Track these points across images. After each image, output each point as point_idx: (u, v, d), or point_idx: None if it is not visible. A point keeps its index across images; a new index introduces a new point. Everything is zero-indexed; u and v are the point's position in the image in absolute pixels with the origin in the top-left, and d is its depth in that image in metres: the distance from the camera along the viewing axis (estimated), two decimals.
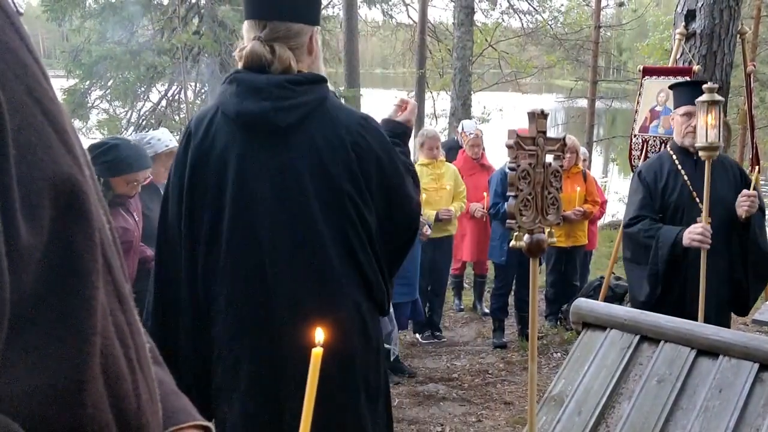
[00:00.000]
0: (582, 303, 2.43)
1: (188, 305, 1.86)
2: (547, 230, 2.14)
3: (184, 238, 1.84)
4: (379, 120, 2.07)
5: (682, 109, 3.31)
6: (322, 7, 11.49)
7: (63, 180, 0.61)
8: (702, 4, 5.00)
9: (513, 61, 14.01)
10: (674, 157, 3.32)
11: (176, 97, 8.21)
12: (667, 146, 3.46)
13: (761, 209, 3.20)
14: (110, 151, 3.03)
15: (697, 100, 3.07)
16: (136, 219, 3.25)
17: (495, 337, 5.41)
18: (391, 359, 4.23)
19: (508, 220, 1.99)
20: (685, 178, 3.25)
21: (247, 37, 1.82)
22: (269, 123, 1.76)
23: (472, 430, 3.89)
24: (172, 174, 1.88)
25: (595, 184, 5.64)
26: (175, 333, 1.88)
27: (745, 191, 3.11)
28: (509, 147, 1.95)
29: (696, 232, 3.01)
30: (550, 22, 14.31)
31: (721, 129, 3.11)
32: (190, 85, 8.19)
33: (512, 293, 5.46)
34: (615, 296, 5.14)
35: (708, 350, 2.11)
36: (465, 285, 6.68)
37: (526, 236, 2.06)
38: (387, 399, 2.05)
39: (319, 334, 0.84)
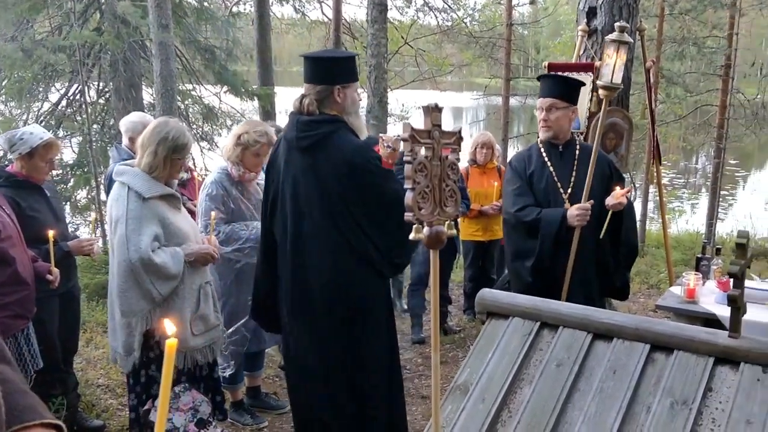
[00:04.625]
0: (486, 293, 2.47)
1: (265, 247, 3.17)
2: (446, 222, 2.15)
3: (266, 201, 3.15)
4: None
5: (538, 102, 3.44)
6: (233, 3, 11.20)
7: None
8: (602, 2, 5.20)
9: (430, 58, 14.16)
10: (542, 149, 3.46)
11: (77, 97, 7.85)
12: (538, 140, 3.58)
13: (630, 203, 3.41)
14: None
15: (607, 38, 3.18)
16: (7, 212, 3.12)
17: (413, 333, 5.45)
18: None
19: (406, 213, 1.99)
20: (551, 168, 3.39)
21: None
22: (295, 145, 2.92)
23: None
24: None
25: None
26: (273, 263, 3.14)
27: (621, 193, 3.28)
28: (404, 140, 1.95)
29: (574, 214, 3.25)
30: (465, 20, 14.54)
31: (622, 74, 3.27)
32: (93, 84, 7.85)
33: (429, 289, 5.51)
34: None
35: (603, 333, 2.18)
36: None
37: (425, 229, 2.06)
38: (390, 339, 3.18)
39: (170, 327, 0.84)
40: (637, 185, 11.19)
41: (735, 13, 9.84)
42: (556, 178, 3.39)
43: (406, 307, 5.93)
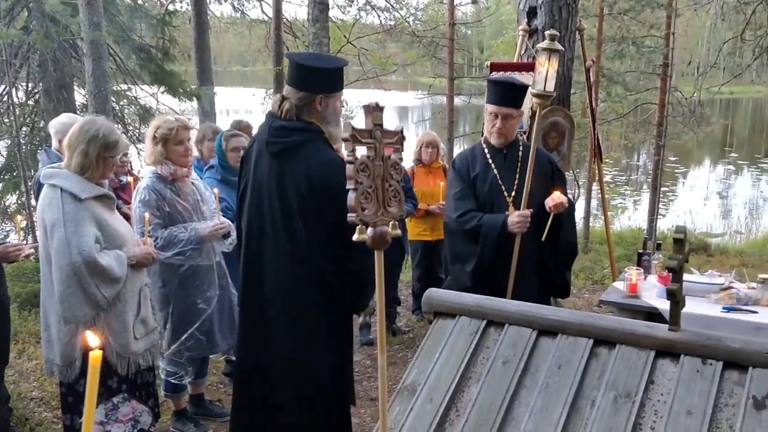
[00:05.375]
0: (433, 293, 2.45)
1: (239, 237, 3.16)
2: (390, 223, 2.12)
3: (237, 195, 3.15)
4: None
5: (489, 108, 3.43)
6: (168, 1, 10.90)
7: None
8: (542, 2, 5.27)
9: (373, 57, 14.14)
10: (486, 150, 3.46)
11: (5, 99, 7.52)
12: (482, 140, 3.59)
13: (570, 202, 3.46)
14: None
15: (538, 46, 3.20)
16: None
17: (362, 334, 5.42)
18: None
19: (349, 214, 1.95)
20: (495, 171, 3.40)
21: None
22: (266, 149, 2.87)
23: None
24: None
25: None
26: None
27: (560, 196, 3.29)
28: (345, 140, 1.91)
29: (514, 221, 3.25)
30: (408, 19, 14.58)
31: (556, 80, 3.30)
32: (21, 85, 7.55)
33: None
34: None
35: (548, 329, 2.19)
36: None
37: (369, 229, 2.03)
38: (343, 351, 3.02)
39: (93, 339, 0.80)
40: (579, 183, 11.44)
41: (671, 14, 10.17)
42: (499, 181, 3.39)
43: None
